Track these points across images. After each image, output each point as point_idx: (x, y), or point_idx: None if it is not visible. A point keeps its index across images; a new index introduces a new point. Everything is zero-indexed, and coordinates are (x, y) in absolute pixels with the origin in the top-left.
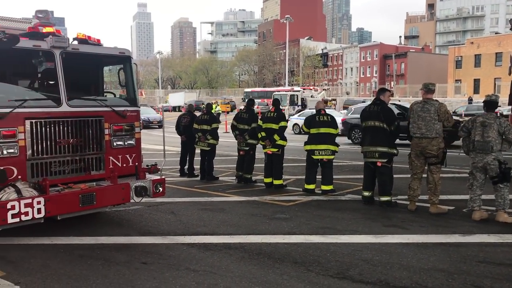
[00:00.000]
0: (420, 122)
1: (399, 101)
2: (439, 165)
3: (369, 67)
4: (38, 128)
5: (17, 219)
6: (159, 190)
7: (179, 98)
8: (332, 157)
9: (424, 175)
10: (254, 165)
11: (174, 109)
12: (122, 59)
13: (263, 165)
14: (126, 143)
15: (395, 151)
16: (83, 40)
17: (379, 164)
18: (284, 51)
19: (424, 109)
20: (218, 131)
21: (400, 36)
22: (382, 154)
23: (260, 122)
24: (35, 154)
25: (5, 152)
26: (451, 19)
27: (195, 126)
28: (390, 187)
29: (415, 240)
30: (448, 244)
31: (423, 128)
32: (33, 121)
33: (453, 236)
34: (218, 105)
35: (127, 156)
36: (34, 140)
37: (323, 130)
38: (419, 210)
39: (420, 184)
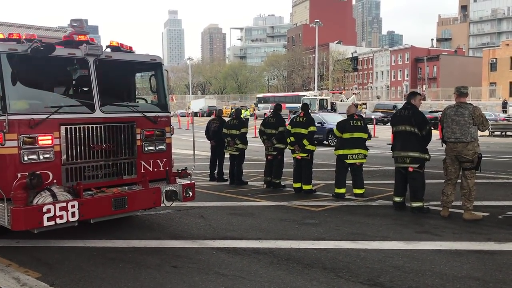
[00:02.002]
0: (454, 126)
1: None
2: (473, 170)
3: (400, 70)
4: (73, 133)
5: (53, 222)
6: (189, 194)
7: (200, 104)
8: (364, 160)
9: (458, 181)
10: (283, 170)
11: (203, 114)
12: (154, 66)
13: (292, 170)
14: (157, 148)
15: (427, 156)
16: (116, 48)
17: (410, 169)
18: (314, 55)
19: (458, 113)
20: (247, 135)
21: (432, 39)
22: (414, 159)
23: (289, 127)
24: (70, 159)
25: (41, 157)
26: (485, 20)
27: (224, 131)
28: (422, 193)
29: (448, 247)
30: (483, 251)
31: (458, 132)
32: (68, 127)
33: (488, 243)
34: (247, 110)
35: (158, 160)
36: (69, 145)
37: (356, 134)
38: (452, 217)
39: (454, 189)
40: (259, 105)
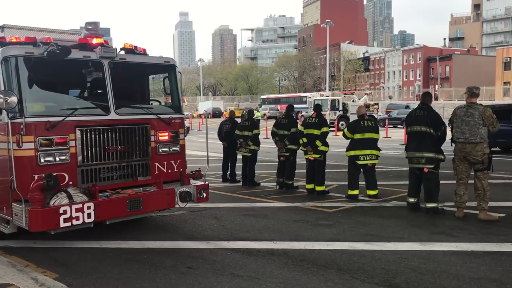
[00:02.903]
0: (464, 127)
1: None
2: (485, 171)
3: (412, 70)
4: (88, 135)
5: (69, 223)
6: (203, 195)
7: (207, 106)
8: (376, 161)
9: (471, 181)
10: (296, 171)
11: (207, 116)
12: (167, 68)
13: (305, 171)
14: (171, 149)
15: (442, 157)
16: (130, 50)
17: (426, 170)
18: (325, 55)
19: (468, 114)
20: (259, 136)
21: (444, 38)
22: (429, 159)
23: (301, 127)
24: (85, 160)
25: (57, 159)
26: (498, 19)
27: (236, 132)
28: (436, 193)
29: (464, 248)
30: (500, 253)
31: (467, 133)
32: (83, 129)
33: (505, 244)
34: (258, 111)
35: (172, 162)
36: (84, 147)
37: (367, 135)
38: (468, 217)
39: (466, 189)
40: (262, 106)
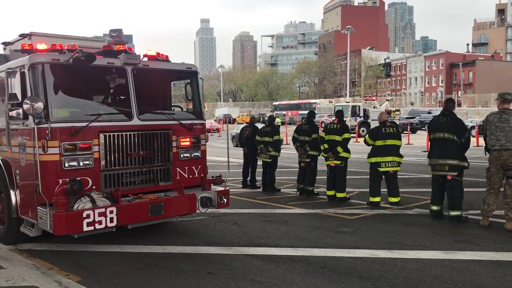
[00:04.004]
0: (498, 133)
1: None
2: None
3: (434, 76)
4: (111, 141)
5: (92, 227)
6: (224, 201)
7: (223, 111)
8: (398, 168)
9: (501, 189)
10: (316, 177)
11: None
12: (189, 74)
13: (326, 177)
14: (192, 155)
15: (466, 164)
16: (153, 57)
17: (449, 177)
18: (345, 61)
19: (502, 119)
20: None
21: (467, 44)
22: (452, 167)
23: (322, 133)
24: (108, 165)
25: (81, 163)
26: None
27: (257, 138)
28: (460, 201)
29: (489, 258)
30: None
31: (503, 139)
32: (107, 134)
33: None
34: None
35: (193, 167)
36: (107, 152)
37: (389, 141)
38: (493, 226)
39: (496, 199)
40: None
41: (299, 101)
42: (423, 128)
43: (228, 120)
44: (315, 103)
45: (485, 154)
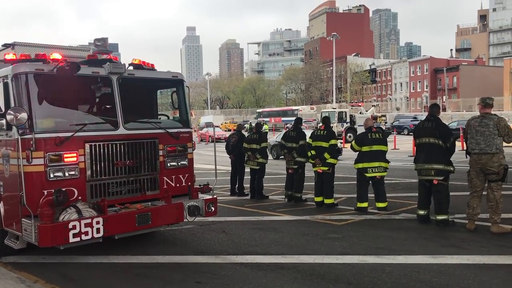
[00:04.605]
0: (478, 137)
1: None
2: (499, 182)
3: (419, 81)
4: (97, 150)
5: (78, 239)
6: (211, 209)
7: (208, 119)
8: (385, 173)
9: (484, 193)
10: (304, 183)
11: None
12: (175, 83)
13: (313, 183)
14: (179, 163)
15: (451, 168)
16: (138, 66)
17: (435, 182)
18: (331, 68)
19: (483, 124)
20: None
21: (451, 49)
22: (438, 171)
23: (309, 140)
24: (94, 175)
25: (67, 174)
26: (505, 29)
27: (244, 145)
28: (447, 206)
29: (476, 261)
30: None
31: (482, 143)
32: (92, 144)
33: None
34: (265, 123)
35: (180, 176)
36: (93, 162)
37: (375, 147)
38: (479, 230)
39: (480, 202)
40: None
41: (282, 108)
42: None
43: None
44: (297, 109)
45: (466, 157)
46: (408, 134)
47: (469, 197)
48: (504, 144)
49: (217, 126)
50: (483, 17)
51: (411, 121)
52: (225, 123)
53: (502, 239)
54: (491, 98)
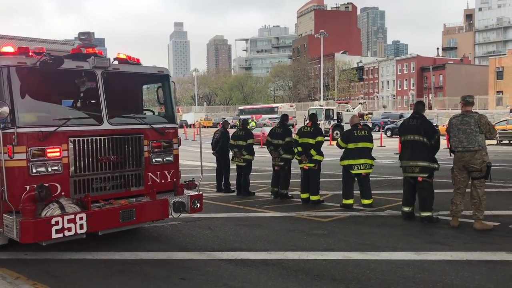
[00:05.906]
0: (461, 136)
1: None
2: (483, 179)
3: (406, 80)
4: (81, 146)
5: (61, 235)
6: (197, 205)
7: (190, 117)
8: (370, 170)
9: (468, 190)
10: (290, 180)
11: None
12: (161, 78)
13: (299, 180)
14: (164, 159)
15: (436, 166)
16: (124, 60)
17: (420, 179)
18: (319, 65)
19: (464, 122)
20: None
21: (437, 48)
22: (423, 168)
23: (296, 136)
24: (78, 171)
25: (49, 169)
26: (490, 29)
27: (231, 142)
28: (431, 202)
29: (459, 258)
30: (495, 262)
31: (465, 141)
32: (76, 139)
33: (500, 253)
34: (252, 120)
35: (166, 172)
36: (77, 158)
37: (361, 144)
38: (463, 226)
39: (463, 199)
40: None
41: (262, 106)
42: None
43: (184, 125)
44: (276, 107)
45: (450, 155)
46: (378, 131)
47: (453, 194)
48: (487, 141)
49: (192, 124)
50: (469, 16)
51: (382, 118)
52: (199, 120)
53: (484, 236)
54: (472, 96)
